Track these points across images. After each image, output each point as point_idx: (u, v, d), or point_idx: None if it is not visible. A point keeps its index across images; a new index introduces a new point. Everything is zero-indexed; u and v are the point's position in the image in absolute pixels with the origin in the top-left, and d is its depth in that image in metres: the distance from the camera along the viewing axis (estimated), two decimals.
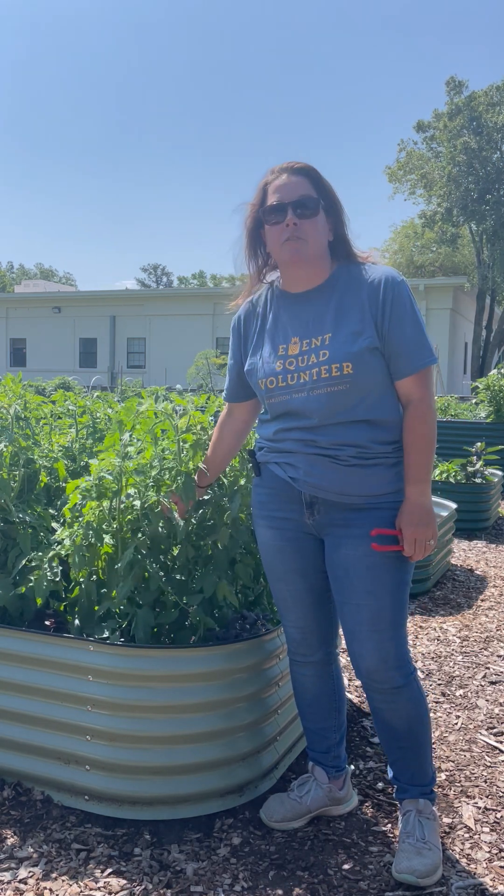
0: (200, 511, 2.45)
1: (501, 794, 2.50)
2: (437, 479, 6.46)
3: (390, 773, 2.21)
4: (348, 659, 2.14)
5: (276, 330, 2.13)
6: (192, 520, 2.43)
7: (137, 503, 2.33)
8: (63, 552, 2.40)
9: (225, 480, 2.52)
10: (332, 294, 2.06)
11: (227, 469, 2.52)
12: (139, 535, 2.36)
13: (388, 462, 2.04)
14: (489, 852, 2.18)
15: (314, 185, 2.05)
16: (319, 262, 2.08)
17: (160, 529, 2.33)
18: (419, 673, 3.46)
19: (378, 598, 2.02)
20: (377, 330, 1.99)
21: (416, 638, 3.95)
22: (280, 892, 1.99)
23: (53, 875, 2.03)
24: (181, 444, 2.39)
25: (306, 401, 2.03)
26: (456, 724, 2.99)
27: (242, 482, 2.48)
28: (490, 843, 2.23)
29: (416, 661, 3.61)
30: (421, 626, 4.13)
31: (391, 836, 2.24)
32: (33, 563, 2.48)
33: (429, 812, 2.14)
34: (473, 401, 10.60)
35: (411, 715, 2.11)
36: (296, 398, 2.05)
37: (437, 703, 3.18)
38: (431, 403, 2.03)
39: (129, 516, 2.38)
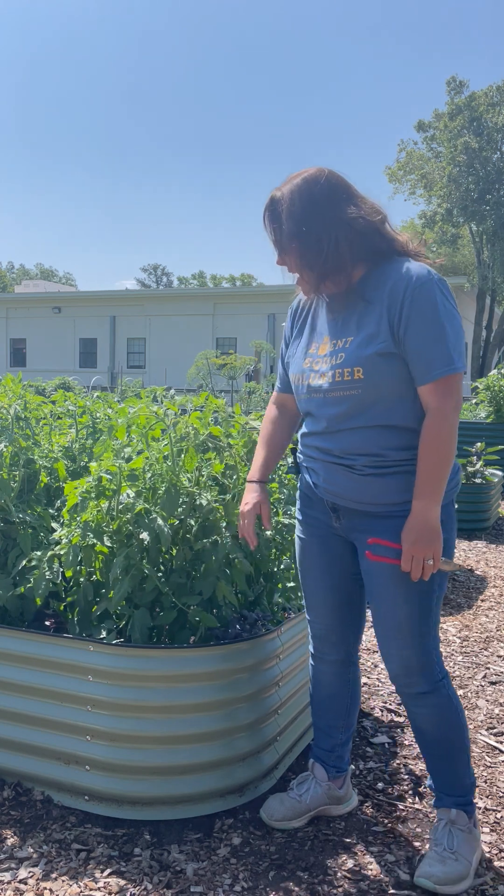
0: (201, 516, 2.45)
1: (501, 794, 2.50)
2: None
3: (428, 780, 2.20)
4: (381, 658, 2.14)
5: (315, 327, 2.11)
6: (191, 522, 2.43)
7: (139, 504, 2.33)
8: (61, 551, 2.40)
9: (227, 482, 2.52)
10: (360, 296, 1.98)
11: (228, 471, 2.52)
12: (135, 537, 2.36)
13: (406, 470, 1.94)
14: (489, 852, 2.18)
15: (274, 220, 1.98)
16: (329, 277, 1.98)
17: (145, 540, 2.30)
18: None
19: (398, 606, 2.00)
20: (393, 334, 1.90)
21: None
22: (280, 892, 1.99)
23: (53, 875, 2.03)
24: (174, 449, 2.38)
25: (322, 403, 2.01)
26: None
27: (242, 483, 2.48)
28: (490, 843, 2.23)
29: None
30: None
31: (391, 836, 2.24)
32: (33, 563, 2.48)
33: (462, 823, 2.09)
34: (473, 401, 10.58)
35: (440, 722, 2.08)
36: (314, 399, 2.04)
37: None
38: (449, 415, 1.87)
39: (127, 516, 2.38)
